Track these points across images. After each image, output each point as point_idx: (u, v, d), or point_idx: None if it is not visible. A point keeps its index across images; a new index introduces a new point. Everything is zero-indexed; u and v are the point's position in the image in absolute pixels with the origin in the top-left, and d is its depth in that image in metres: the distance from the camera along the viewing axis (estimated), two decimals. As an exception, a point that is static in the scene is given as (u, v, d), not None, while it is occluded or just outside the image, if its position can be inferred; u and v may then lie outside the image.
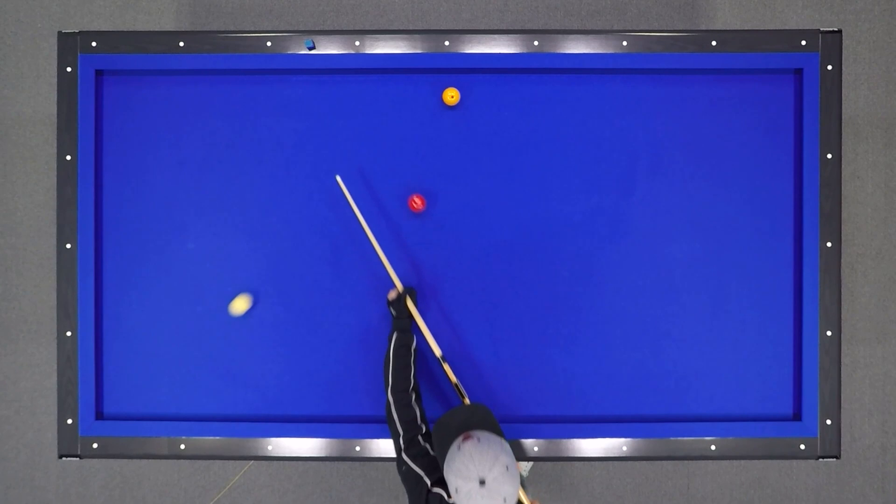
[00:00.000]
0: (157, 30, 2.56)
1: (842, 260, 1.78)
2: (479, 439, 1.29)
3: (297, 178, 1.79)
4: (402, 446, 1.47)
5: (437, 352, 1.59)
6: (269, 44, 1.77)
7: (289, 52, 1.77)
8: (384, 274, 1.76)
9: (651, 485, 2.58)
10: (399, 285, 1.69)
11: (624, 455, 1.74)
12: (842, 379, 1.77)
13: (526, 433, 1.73)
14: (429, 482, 1.39)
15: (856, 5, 2.64)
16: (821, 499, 2.59)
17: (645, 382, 1.78)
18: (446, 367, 1.57)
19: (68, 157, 1.76)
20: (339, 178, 1.68)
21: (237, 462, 2.56)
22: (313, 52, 1.69)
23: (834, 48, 1.77)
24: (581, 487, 2.58)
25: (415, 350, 1.59)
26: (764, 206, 1.79)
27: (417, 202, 1.72)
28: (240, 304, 1.72)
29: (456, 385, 1.58)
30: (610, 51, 1.77)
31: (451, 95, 1.74)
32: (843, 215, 2.59)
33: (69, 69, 1.76)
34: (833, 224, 1.76)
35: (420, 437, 1.48)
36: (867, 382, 2.60)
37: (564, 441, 1.74)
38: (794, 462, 2.58)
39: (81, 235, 1.76)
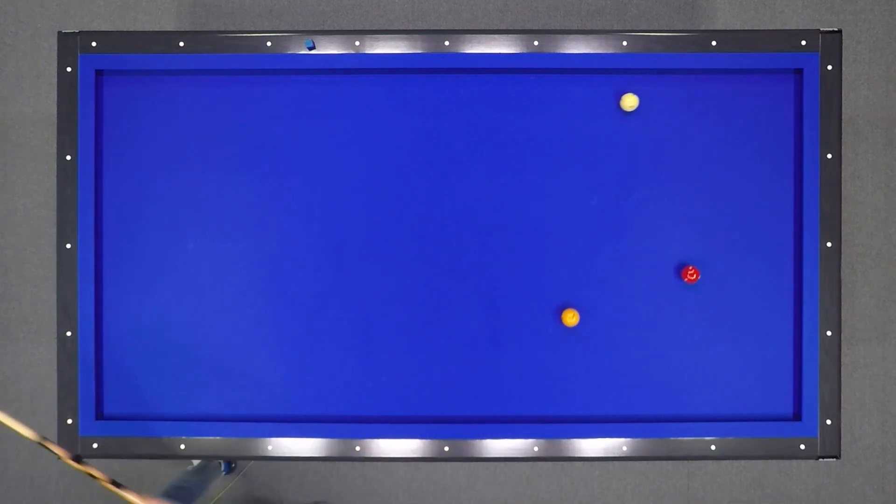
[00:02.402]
0: (157, 30, 2.56)
1: (842, 260, 1.78)
2: None
3: (297, 177, 1.79)
4: None
5: None
6: (269, 44, 1.77)
7: (289, 52, 1.77)
8: (384, 274, 1.77)
9: (651, 485, 2.58)
10: None
11: (624, 455, 1.74)
12: (842, 379, 1.77)
13: (526, 433, 1.74)
14: None
15: (856, 5, 2.64)
16: (821, 499, 2.60)
17: (645, 382, 1.78)
18: None
19: (68, 157, 1.76)
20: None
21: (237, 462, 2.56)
22: (313, 52, 1.69)
23: (834, 48, 1.77)
24: (581, 487, 2.58)
25: None
26: (764, 205, 1.79)
27: (692, 274, 1.71)
28: (629, 102, 1.70)
29: None
30: (610, 51, 1.77)
31: (571, 317, 1.73)
32: (843, 215, 2.59)
33: (69, 69, 1.76)
34: (833, 224, 1.76)
35: None
36: (867, 382, 2.60)
37: (564, 441, 1.74)
38: (794, 462, 2.58)
39: (81, 235, 1.76)
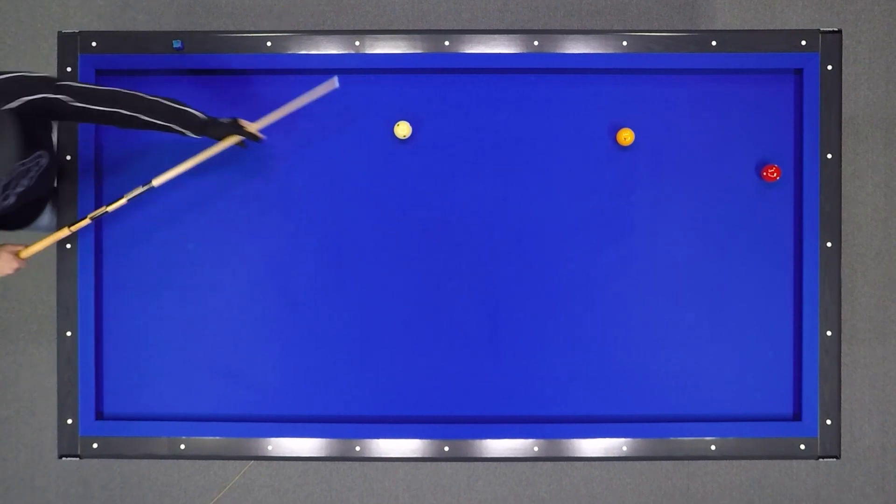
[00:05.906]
0: (157, 30, 2.56)
1: (842, 260, 1.78)
2: None
3: (297, 177, 1.79)
4: None
5: None
6: (269, 44, 1.77)
7: (289, 52, 1.77)
8: (384, 274, 1.77)
9: (651, 485, 2.58)
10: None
11: (624, 455, 1.74)
12: (842, 379, 1.77)
13: (526, 433, 1.73)
14: None
15: (856, 5, 2.64)
16: (821, 499, 2.59)
17: (645, 382, 1.78)
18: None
19: (68, 158, 1.76)
20: None
21: (237, 462, 2.56)
22: (180, 51, 1.70)
23: (834, 48, 1.77)
24: (581, 487, 2.58)
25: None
26: (764, 206, 1.79)
27: (772, 172, 1.69)
28: (402, 130, 1.74)
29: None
30: (610, 51, 1.77)
31: (625, 137, 1.75)
32: (843, 215, 2.59)
33: (69, 69, 1.76)
34: (833, 224, 1.76)
35: None
36: (867, 382, 2.60)
37: (564, 441, 1.74)
38: (794, 462, 2.58)
39: (81, 236, 1.75)
